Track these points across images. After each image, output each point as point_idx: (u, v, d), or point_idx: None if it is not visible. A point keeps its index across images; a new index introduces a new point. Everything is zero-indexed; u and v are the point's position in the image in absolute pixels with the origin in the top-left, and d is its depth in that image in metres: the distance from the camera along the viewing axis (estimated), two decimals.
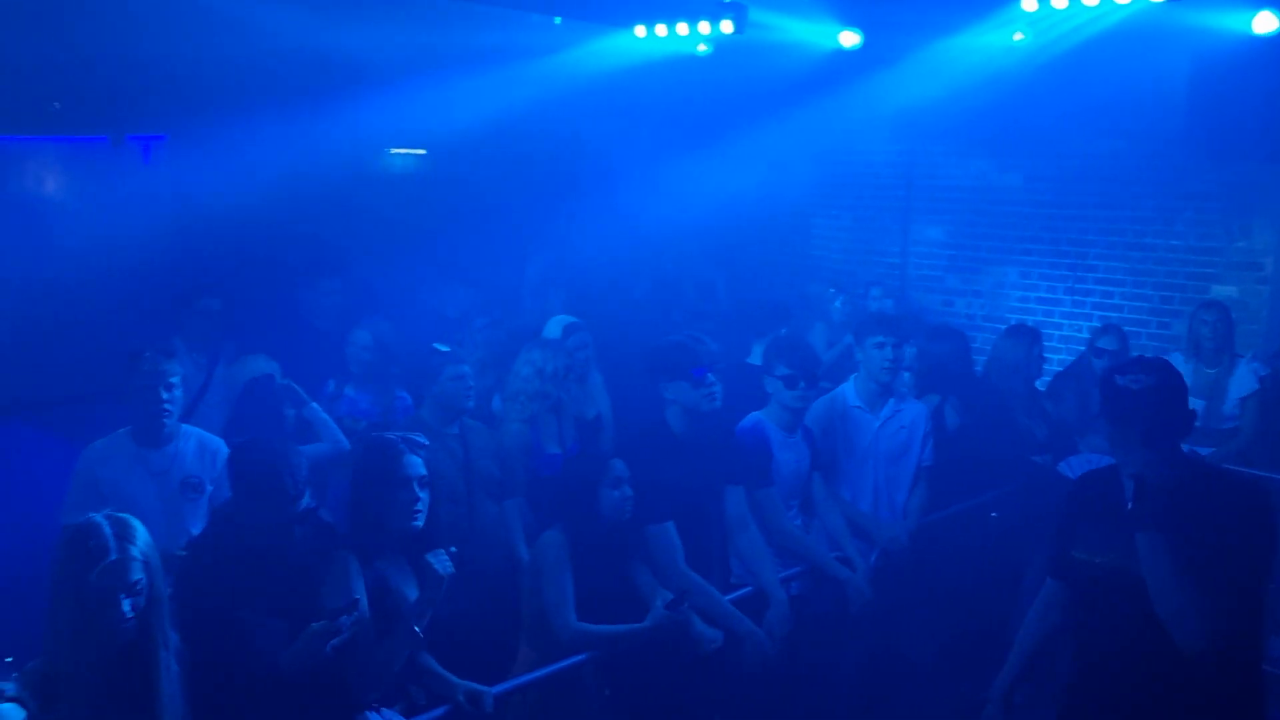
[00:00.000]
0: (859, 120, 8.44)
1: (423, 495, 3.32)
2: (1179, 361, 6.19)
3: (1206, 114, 6.75)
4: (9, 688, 2.08)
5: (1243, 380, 5.98)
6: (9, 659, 2.46)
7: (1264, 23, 6.27)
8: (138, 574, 2.48)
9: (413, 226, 7.84)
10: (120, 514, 2.58)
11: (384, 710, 3.19)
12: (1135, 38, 6.40)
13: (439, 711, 3.20)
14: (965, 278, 8.22)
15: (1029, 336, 5.68)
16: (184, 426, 4.02)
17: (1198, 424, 5.91)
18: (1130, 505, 2.75)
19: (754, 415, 4.40)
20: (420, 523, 3.31)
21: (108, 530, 2.49)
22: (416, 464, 3.34)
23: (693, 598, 3.77)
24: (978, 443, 5.29)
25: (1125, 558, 2.79)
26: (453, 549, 3.23)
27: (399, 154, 8.50)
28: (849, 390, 4.76)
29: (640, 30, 7.28)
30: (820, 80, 8.19)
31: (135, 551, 2.49)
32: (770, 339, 4.82)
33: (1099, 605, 2.95)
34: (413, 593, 3.26)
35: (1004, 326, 6.75)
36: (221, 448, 4.00)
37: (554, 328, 5.51)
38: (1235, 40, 6.37)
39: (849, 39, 7.52)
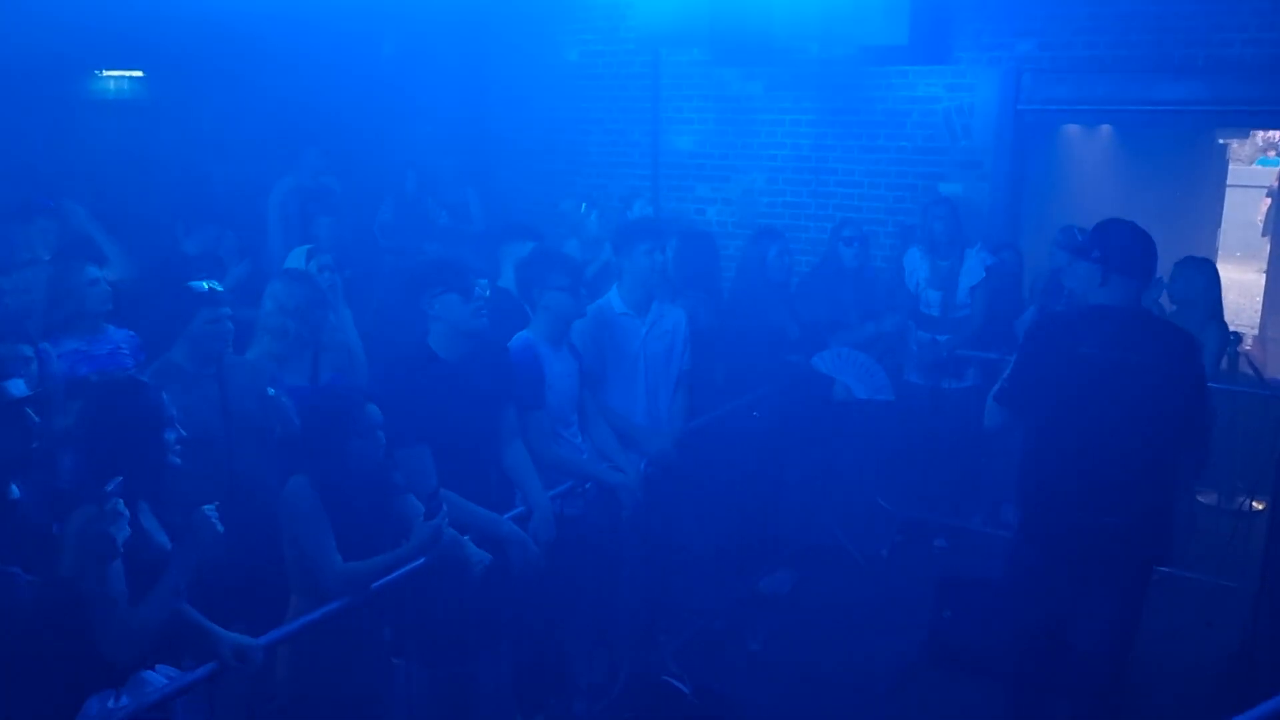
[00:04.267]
0: (603, 31, 8.39)
1: (171, 437, 3.13)
2: (916, 256, 6.61)
3: (926, 20, 7.09)
4: None
5: (972, 270, 6.43)
6: None
7: None
8: None
9: (135, 157, 7.21)
10: None
11: (158, 666, 2.99)
12: None
13: (204, 670, 3.02)
14: (715, 186, 8.38)
15: (771, 237, 5.86)
16: None
17: (935, 313, 6.44)
18: None
19: (521, 335, 4.32)
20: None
21: None
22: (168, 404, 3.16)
23: (446, 512, 3.71)
24: (732, 345, 5.46)
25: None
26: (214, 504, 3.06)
27: (112, 76, 7.77)
28: (614, 299, 4.77)
29: None
30: None
31: None
32: (531, 255, 4.73)
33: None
34: (164, 542, 3.07)
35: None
36: None
37: (295, 257, 5.23)
38: None
39: None
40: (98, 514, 2.78)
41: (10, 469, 2.94)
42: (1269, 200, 15.42)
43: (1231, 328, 6.50)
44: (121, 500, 2.81)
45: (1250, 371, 6.69)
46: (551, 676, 4.58)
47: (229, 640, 3.06)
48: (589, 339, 4.62)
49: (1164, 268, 6.10)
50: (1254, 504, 6.13)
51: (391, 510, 3.64)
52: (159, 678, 2.94)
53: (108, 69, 7.74)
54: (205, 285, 4.14)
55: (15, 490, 2.96)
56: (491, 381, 4.03)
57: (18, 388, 2.92)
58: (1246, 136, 15.75)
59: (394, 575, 3.50)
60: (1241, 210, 15.13)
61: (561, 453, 4.33)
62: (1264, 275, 12.31)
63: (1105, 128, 9.08)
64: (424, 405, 3.75)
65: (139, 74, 7.86)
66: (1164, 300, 6.41)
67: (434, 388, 3.81)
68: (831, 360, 5.64)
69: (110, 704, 2.81)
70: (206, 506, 3.03)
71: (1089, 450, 3.63)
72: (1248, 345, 8.28)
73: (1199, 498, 6.43)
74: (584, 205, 7.57)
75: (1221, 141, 12.77)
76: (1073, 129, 8.57)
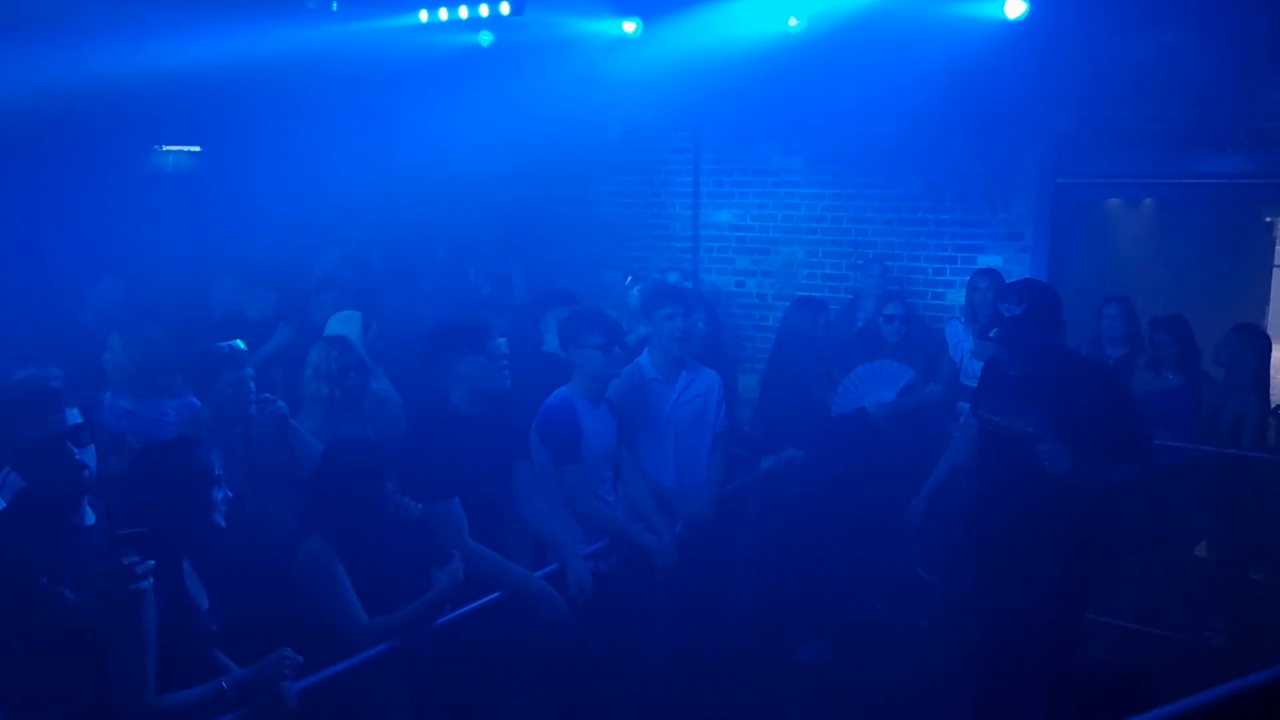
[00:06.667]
0: (645, 108, 8.56)
1: (219, 496, 3.12)
2: (958, 329, 6.58)
3: (965, 95, 7.19)
4: None
5: None
6: None
7: (1014, 7, 6.72)
8: None
9: (193, 227, 7.45)
10: None
11: None
12: (900, 22, 6.72)
13: (240, 713, 3.02)
14: (754, 259, 8.45)
15: (815, 306, 5.88)
16: None
17: None
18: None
19: (560, 391, 4.37)
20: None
21: None
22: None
23: (477, 565, 3.71)
24: (772, 411, 5.46)
25: (1009, 418, 4.05)
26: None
27: (172, 151, 8.06)
28: (645, 363, 4.80)
29: (423, 15, 7.16)
30: (604, 70, 8.26)
31: None
32: (569, 315, 4.79)
33: (992, 447, 4.27)
34: (203, 600, 3.10)
35: None
36: None
37: (338, 322, 5.31)
38: (990, 24, 6.80)
39: (629, 27, 7.63)
40: (121, 577, 2.75)
41: (75, 493, 3.02)
42: None
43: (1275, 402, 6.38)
44: (147, 566, 2.78)
45: None
46: None
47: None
48: (621, 401, 4.65)
49: (1212, 341, 6.05)
50: None
51: (411, 561, 3.65)
52: None
53: (168, 144, 8.03)
54: (227, 346, 4.21)
55: (90, 515, 3.06)
56: (507, 437, 4.08)
57: (74, 416, 3.02)
58: None
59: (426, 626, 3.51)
60: None
61: (597, 509, 4.33)
62: None
63: (1148, 202, 9.06)
64: (447, 460, 3.79)
65: (196, 149, 8.15)
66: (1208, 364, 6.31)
67: (455, 444, 3.85)
68: (850, 388, 5.73)
69: None
70: (286, 682, 3.01)
71: None
72: None
73: (1252, 575, 6.25)
74: (629, 279, 7.66)
75: (1268, 219, 12.66)
76: (1115, 203, 8.57)
